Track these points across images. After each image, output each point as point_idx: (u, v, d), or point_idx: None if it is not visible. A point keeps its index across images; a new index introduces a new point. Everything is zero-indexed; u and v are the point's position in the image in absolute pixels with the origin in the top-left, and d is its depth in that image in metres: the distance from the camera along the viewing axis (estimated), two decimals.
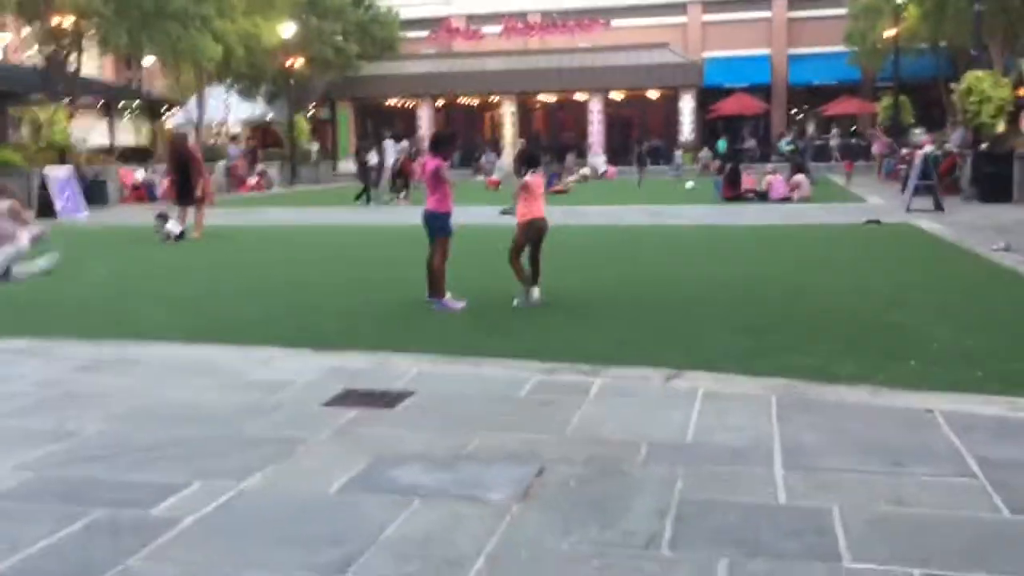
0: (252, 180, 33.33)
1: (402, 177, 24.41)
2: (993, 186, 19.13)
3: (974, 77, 20.30)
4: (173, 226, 14.83)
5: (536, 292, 8.13)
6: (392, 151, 26.59)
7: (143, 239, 14.82)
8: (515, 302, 8.15)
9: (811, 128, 42.55)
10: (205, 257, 12.95)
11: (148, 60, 43.15)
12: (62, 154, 23.61)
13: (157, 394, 5.32)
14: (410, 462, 4.06)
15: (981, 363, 5.69)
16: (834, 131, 42.14)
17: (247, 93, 45.32)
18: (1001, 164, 19.36)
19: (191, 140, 17.26)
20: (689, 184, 28.00)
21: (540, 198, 8.31)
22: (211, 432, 4.57)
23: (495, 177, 32.37)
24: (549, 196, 12.44)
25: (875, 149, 32.72)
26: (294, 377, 5.62)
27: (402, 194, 24.04)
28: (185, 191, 15.67)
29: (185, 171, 15.66)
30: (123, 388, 5.47)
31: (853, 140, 40.80)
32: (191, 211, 15.65)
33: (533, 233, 8.25)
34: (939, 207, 17.27)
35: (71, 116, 24.79)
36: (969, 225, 14.64)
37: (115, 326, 7.59)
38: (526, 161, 8.56)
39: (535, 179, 8.28)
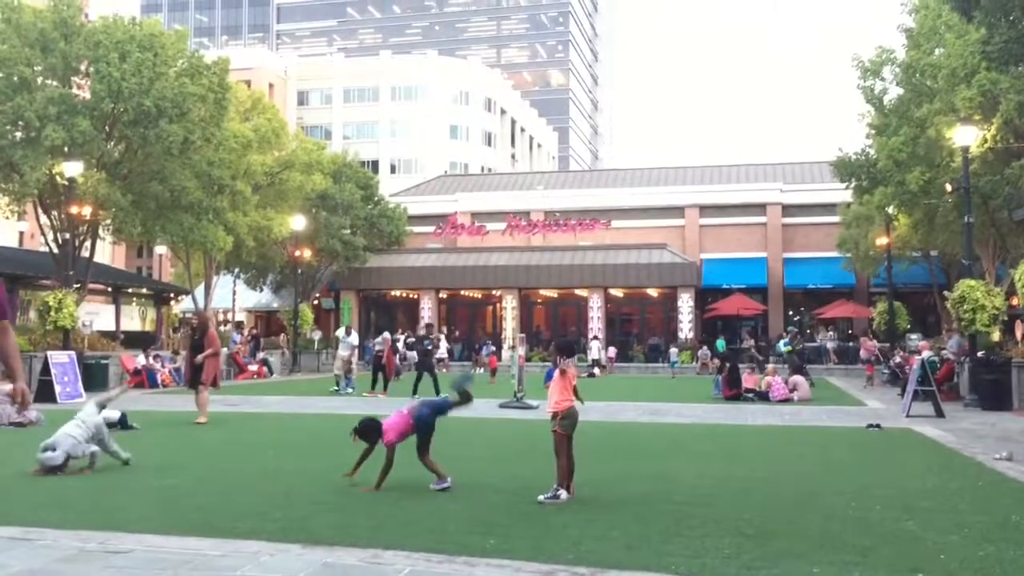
0: (253, 367, 33.46)
1: (381, 370, 23.77)
2: (993, 393, 19.18)
3: (967, 286, 20.74)
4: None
5: (565, 494, 8.10)
6: (347, 344, 25.47)
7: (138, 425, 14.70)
8: (541, 498, 8.03)
9: (826, 331, 43.09)
10: (197, 445, 12.81)
11: (159, 248, 44.32)
12: (66, 336, 23.84)
13: None
14: None
15: None
16: (830, 334, 42.70)
17: (253, 282, 46.31)
18: (1000, 372, 19.48)
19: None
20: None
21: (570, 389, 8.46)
22: None
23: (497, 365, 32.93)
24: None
25: (862, 354, 33.15)
26: (283, 575, 5.44)
27: (377, 387, 23.40)
28: (197, 374, 15.84)
29: (199, 352, 15.85)
30: None
31: (850, 344, 41.30)
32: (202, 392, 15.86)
33: (573, 422, 8.32)
34: (940, 413, 17.25)
35: (79, 302, 25.19)
36: (971, 433, 14.57)
37: (102, 516, 7.41)
38: (560, 351, 8.80)
39: (573, 369, 8.55)
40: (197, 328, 16.58)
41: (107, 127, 29.19)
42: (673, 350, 38.96)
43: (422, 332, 25.66)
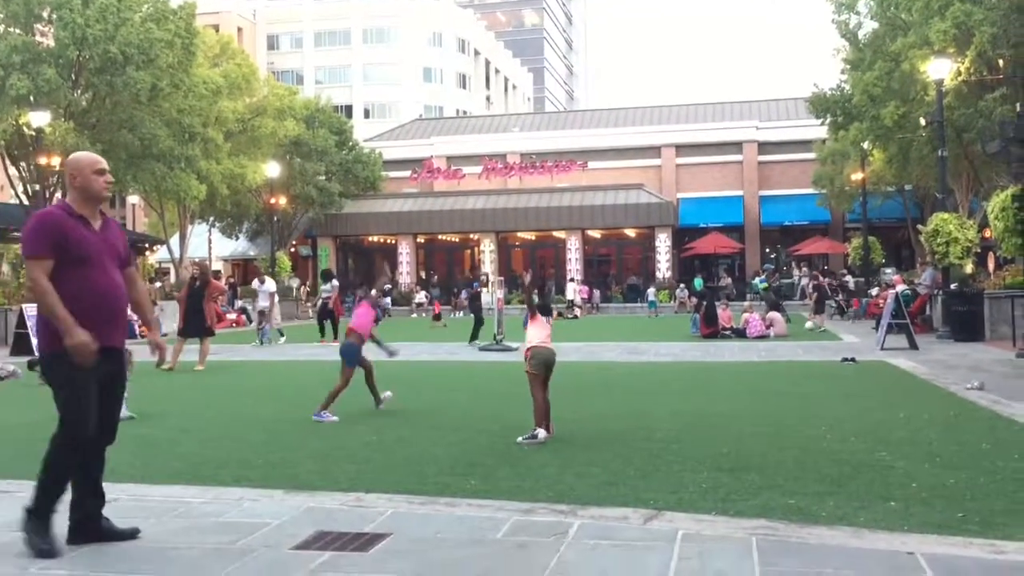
0: (231, 316, 33.36)
1: (330, 318, 22.86)
2: (965, 325, 19.45)
3: (940, 219, 20.90)
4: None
5: (543, 433, 8.12)
6: (264, 293, 24.26)
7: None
8: (520, 440, 8.08)
9: (799, 268, 43.43)
10: (177, 394, 12.82)
11: (132, 198, 43.77)
12: None
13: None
14: None
15: (961, 503, 5.65)
16: (804, 270, 43.05)
17: (229, 231, 45.94)
18: (972, 304, 19.74)
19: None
20: (808, 325, 25.18)
21: (547, 327, 8.50)
22: None
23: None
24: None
25: (809, 288, 33.61)
26: (266, 519, 5.49)
27: (327, 335, 22.49)
28: (190, 322, 15.98)
29: (197, 301, 15.94)
30: None
31: (826, 280, 41.69)
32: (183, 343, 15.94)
33: (540, 361, 8.31)
34: (913, 346, 17.49)
35: None
36: (943, 364, 14.79)
37: None
38: (539, 311, 8.76)
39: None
40: (199, 276, 16.59)
41: (73, 75, 28.64)
42: (651, 289, 39.14)
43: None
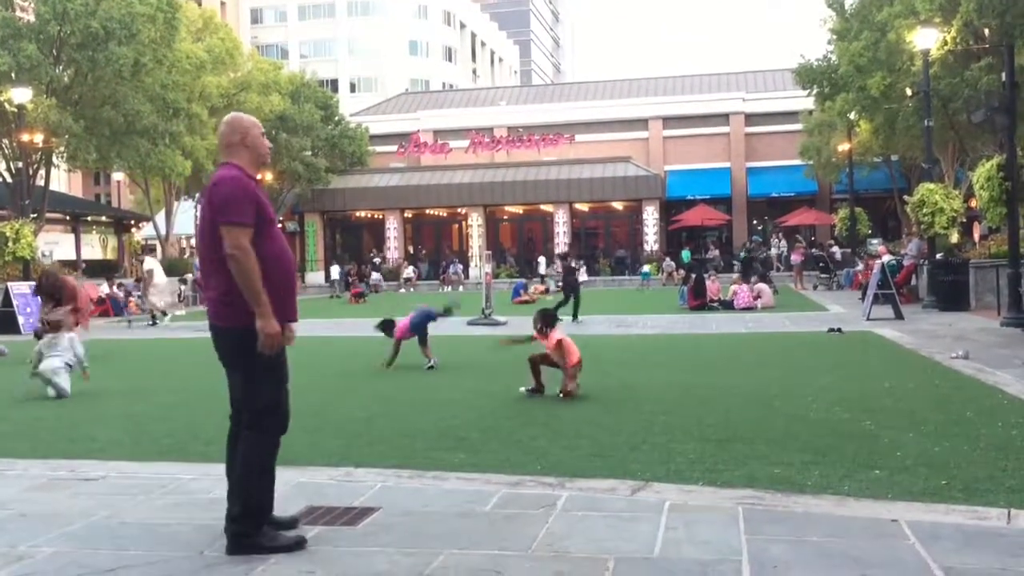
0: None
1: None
2: (951, 294, 19.57)
3: (926, 189, 20.94)
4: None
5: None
6: (160, 269, 23.26)
7: (101, 354, 14.64)
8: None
9: (779, 240, 43.61)
10: (164, 371, 12.80)
11: (117, 175, 43.49)
12: (25, 266, 23.53)
13: (114, 514, 5.19)
14: None
15: (945, 471, 5.72)
16: (780, 240, 43.31)
17: None
18: (957, 273, 19.85)
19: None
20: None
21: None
22: (170, 553, 4.45)
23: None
24: (517, 306, 14.11)
25: (793, 259, 33.69)
26: None
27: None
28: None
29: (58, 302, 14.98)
30: (79, 508, 5.33)
31: (812, 250, 41.87)
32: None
33: None
34: (899, 316, 17.59)
35: (37, 231, 24.76)
36: (928, 333, 14.89)
37: (70, 444, 7.43)
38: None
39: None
40: (48, 282, 15.36)
41: (54, 51, 28.31)
42: (646, 268, 39.07)
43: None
